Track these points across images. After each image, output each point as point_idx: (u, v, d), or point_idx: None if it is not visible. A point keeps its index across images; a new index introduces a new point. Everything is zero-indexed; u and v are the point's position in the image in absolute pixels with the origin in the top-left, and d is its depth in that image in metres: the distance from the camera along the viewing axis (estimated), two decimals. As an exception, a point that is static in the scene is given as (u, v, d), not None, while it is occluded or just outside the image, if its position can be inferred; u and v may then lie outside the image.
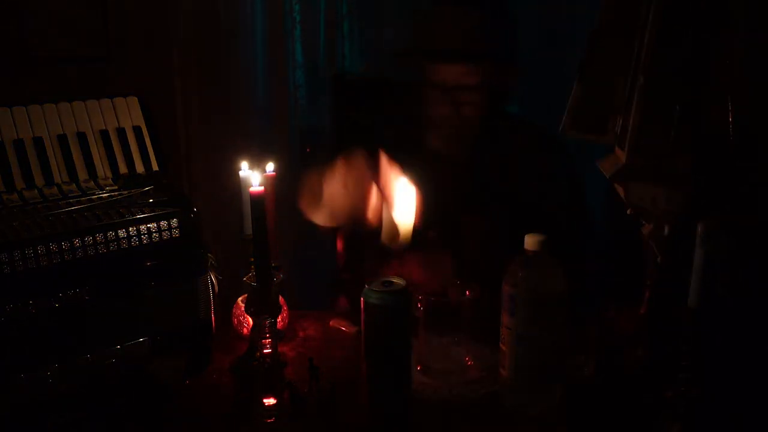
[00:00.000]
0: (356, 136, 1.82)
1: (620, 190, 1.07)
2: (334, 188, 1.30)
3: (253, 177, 1.08)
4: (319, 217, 1.34)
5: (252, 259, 1.18)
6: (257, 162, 1.26)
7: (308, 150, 2.53)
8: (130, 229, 1.11)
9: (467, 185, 1.64)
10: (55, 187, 1.20)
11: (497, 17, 1.59)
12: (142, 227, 1.12)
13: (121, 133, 1.29)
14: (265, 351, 1.13)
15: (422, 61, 1.59)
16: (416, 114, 1.65)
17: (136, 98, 1.32)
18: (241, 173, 1.27)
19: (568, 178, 1.65)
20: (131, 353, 1.12)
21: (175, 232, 1.15)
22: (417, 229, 1.13)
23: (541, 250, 1.12)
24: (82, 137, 1.25)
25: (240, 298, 1.43)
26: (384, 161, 1.13)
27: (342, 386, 1.14)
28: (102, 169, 1.26)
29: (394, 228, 0.98)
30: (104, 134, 1.28)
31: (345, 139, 2.01)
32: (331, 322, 1.50)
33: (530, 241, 1.12)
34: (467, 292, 1.28)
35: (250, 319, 1.20)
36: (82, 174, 1.24)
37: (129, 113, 1.31)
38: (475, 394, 1.21)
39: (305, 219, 1.38)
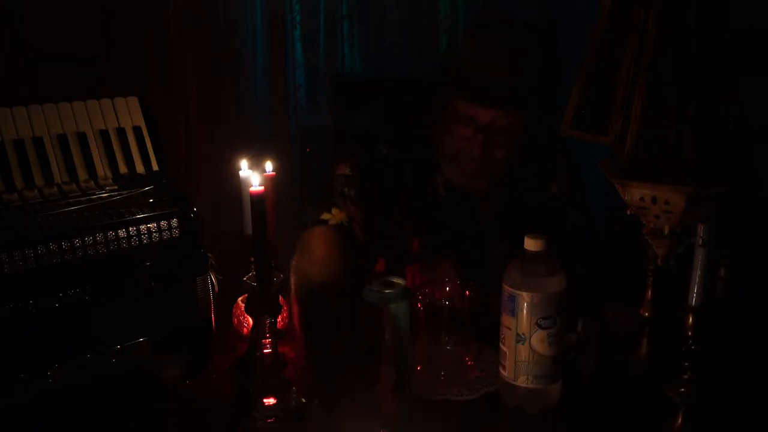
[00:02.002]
0: (355, 137, 1.80)
1: (620, 190, 1.07)
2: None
3: (253, 177, 1.08)
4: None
5: (252, 259, 1.18)
6: (257, 162, 1.26)
7: (308, 150, 2.53)
8: (130, 229, 1.11)
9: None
10: (55, 187, 1.20)
11: (545, 61, 1.43)
12: (142, 227, 1.12)
13: (121, 133, 1.29)
14: (265, 351, 1.13)
15: (454, 95, 1.42)
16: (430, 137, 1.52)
17: (136, 98, 1.32)
18: (241, 173, 1.27)
19: (571, 178, 1.63)
20: (131, 353, 1.12)
21: (175, 232, 1.15)
22: None
23: (541, 250, 1.12)
24: (82, 137, 1.25)
25: (240, 298, 1.43)
26: None
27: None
28: (102, 169, 1.26)
29: None
30: (104, 134, 1.27)
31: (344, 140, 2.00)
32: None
33: (530, 241, 1.12)
34: (467, 292, 1.28)
35: (250, 319, 1.20)
36: (82, 174, 1.24)
37: (129, 113, 1.31)
38: (475, 394, 1.21)
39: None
